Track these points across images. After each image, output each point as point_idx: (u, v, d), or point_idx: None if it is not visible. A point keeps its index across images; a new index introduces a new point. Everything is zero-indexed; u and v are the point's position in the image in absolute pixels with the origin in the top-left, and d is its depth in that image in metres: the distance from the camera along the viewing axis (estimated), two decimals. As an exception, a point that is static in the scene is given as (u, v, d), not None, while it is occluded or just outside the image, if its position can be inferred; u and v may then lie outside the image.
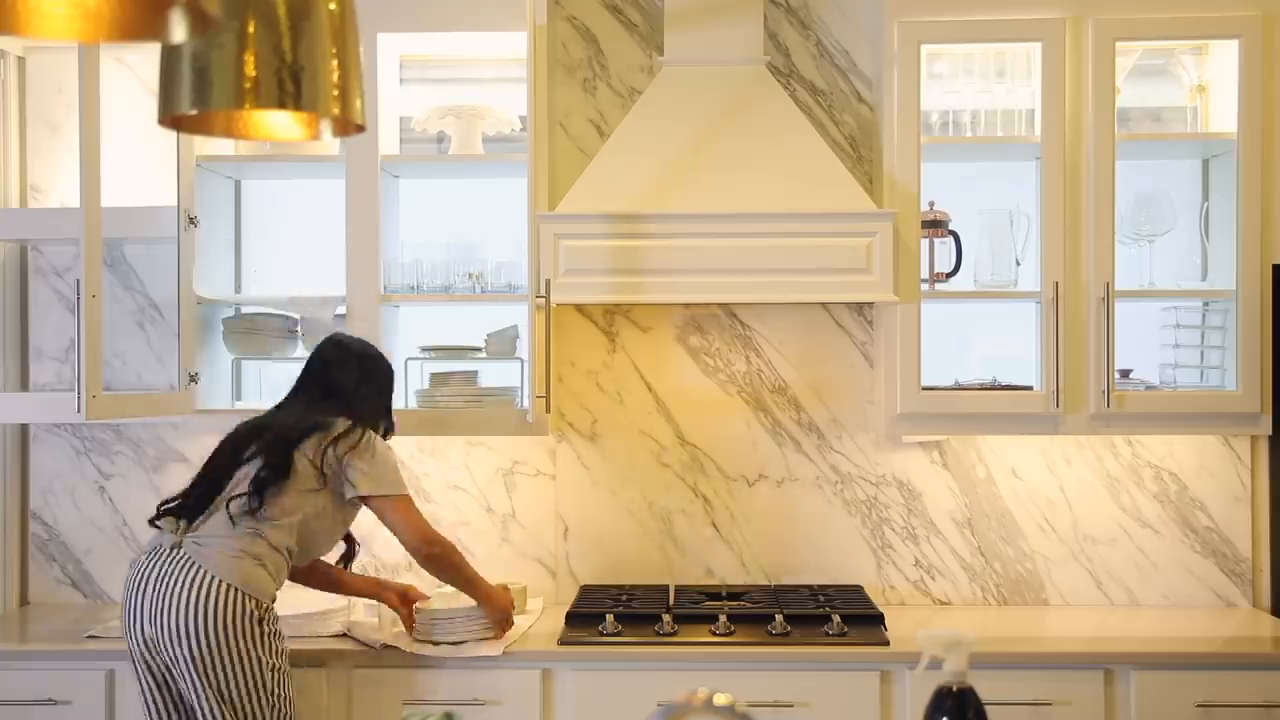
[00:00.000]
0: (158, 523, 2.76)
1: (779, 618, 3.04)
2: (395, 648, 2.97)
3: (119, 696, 3.02)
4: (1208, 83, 3.39)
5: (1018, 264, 3.31)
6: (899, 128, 3.21)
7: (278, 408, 2.91)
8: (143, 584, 2.65)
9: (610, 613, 3.08)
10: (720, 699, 1.42)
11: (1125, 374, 3.30)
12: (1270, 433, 3.24)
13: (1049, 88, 3.19)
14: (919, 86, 3.21)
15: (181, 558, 2.64)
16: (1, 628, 3.33)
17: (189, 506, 2.74)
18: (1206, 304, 3.34)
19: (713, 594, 3.35)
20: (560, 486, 3.54)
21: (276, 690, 2.66)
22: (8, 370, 3.51)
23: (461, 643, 2.97)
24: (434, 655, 2.95)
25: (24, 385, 3.54)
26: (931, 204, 3.27)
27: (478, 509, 3.54)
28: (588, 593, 3.37)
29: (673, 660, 2.97)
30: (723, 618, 3.07)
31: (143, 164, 3.43)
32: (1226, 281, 3.24)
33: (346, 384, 2.89)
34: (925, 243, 3.27)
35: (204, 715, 2.61)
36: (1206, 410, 3.21)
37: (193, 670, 2.59)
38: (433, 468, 3.54)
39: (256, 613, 2.64)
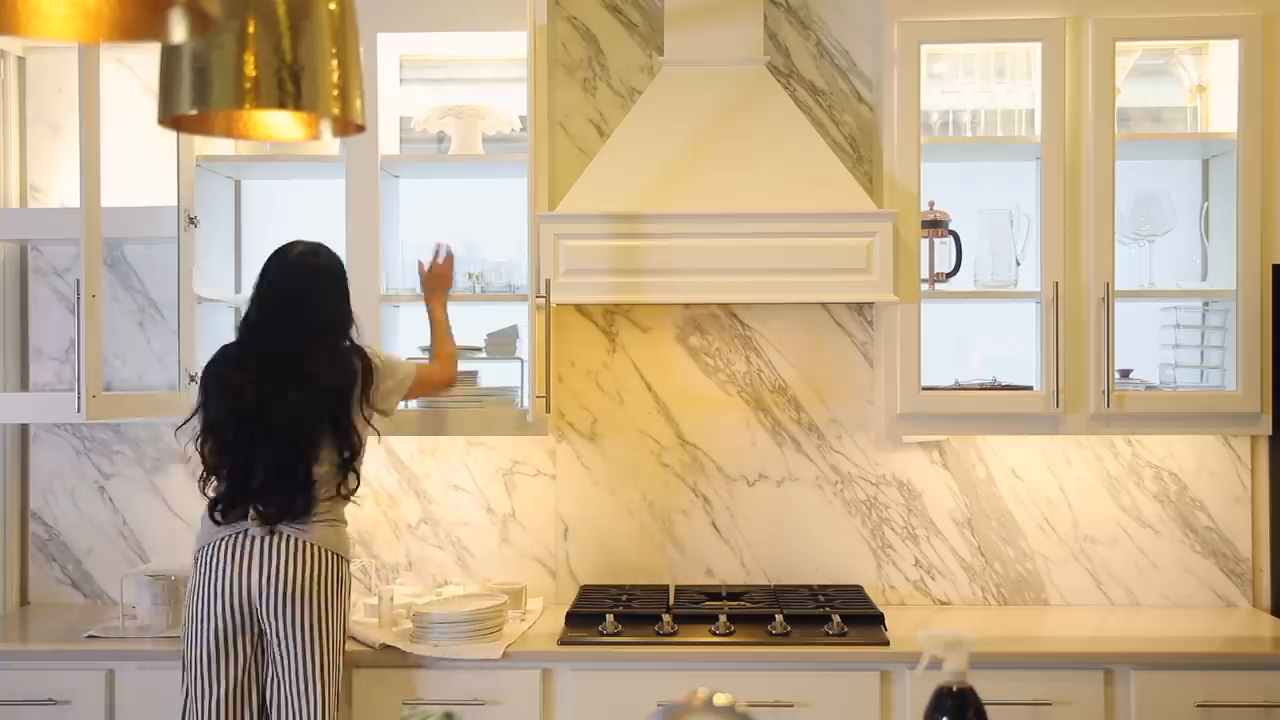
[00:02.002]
0: (243, 516, 2.81)
1: (779, 618, 3.04)
2: (395, 648, 2.98)
3: (119, 696, 3.02)
4: (1208, 83, 3.39)
5: (1018, 264, 3.31)
6: (899, 128, 3.21)
7: (270, 345, 2.87)
8: (247, 562, 2.78)
9: (610, 613, 3.08)
10: (720, 699, 1.42)
11: (1125, 374, 3.29)
12: (1270, 433, 3.24)
13: (1049, 88, 3.19)
14: (919, 86, 3.21)
15: (288, 542, 2.79)
16: (1, 628, 3.33)
17: (280, 505, 2.79)
18: (1206, 304, 3.34)
19: (713, 594, 3.35)
20: (560, 486, 3.54)
21: (345, 638, 2.93)
22: (8, 370, 3.51)
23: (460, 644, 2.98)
24: (434, 655, 2.95)
25: (24, 385, 3.54)
26: (931, 204, 3.27)
27: (478, 509, 3.54)
28: (588, 593, 3.37)
29: (673, 660, 2.97)
30: (723, 618, 3.07)
31: (143, 164, 3.43)
32: (1226, 281, 3.24)
33: (330, 302, 2.92)
34: (925, 243, 3.27)
35: (298, 676, 2.77)
36: (1206, 410, 3.21)
37: (305, 634, 2.77)
38: (433, 468, 3.54)
39: (346, 571, 2.91)
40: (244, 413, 2.81)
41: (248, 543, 2.80)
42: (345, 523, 2.94)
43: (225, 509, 2.81)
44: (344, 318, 2.94)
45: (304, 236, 3.00)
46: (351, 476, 2.89)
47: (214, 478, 2.83)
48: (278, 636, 2.79)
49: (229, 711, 2.77)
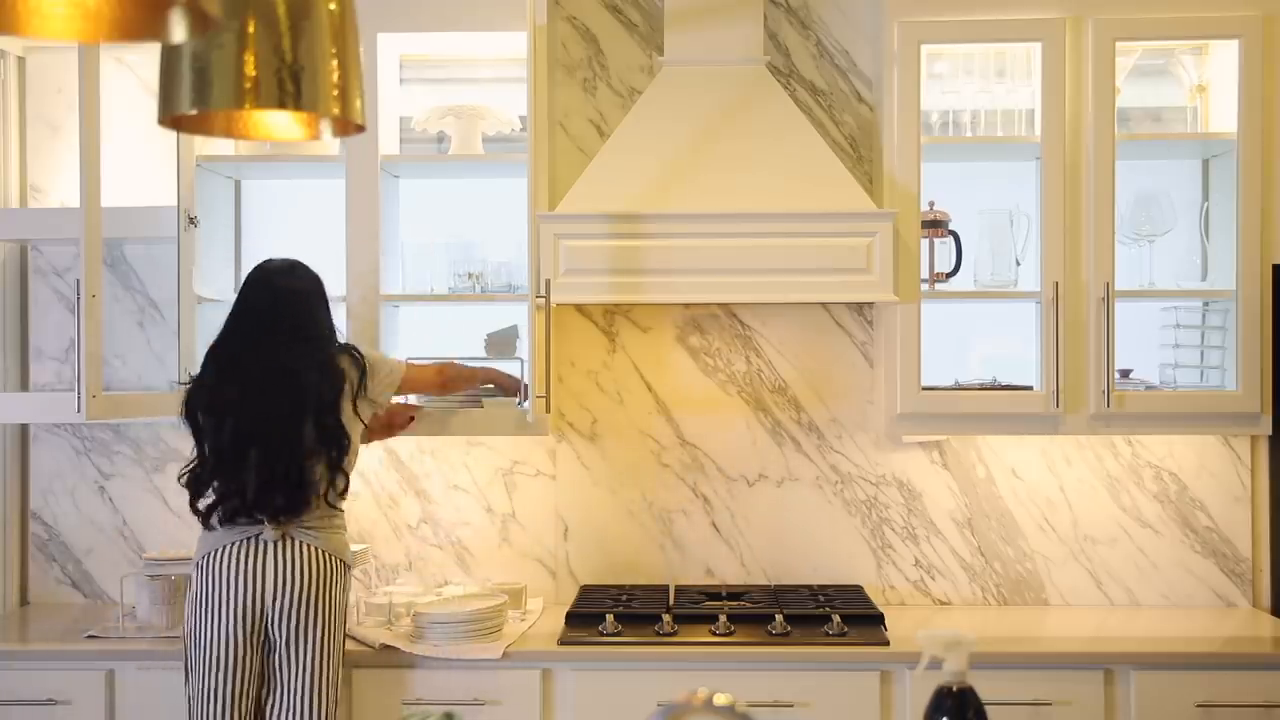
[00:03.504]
0: (247, 521, 2.80)
1: (779, 618, 3.04)
2: (395, 648, 2.98)
3: (119, 696, 3.02)
4: (1208, 83, 3.39)
5: (1018, 264, 3.31)
6: (899, 128, 3.21)
7: (253, 360, 2.85)
8: (260, 568, 2.78)
9: (610, 613, 3.08)
10: (720, 699, 1.42)
11: (1125, 374, 3.29)
12: (1270, 433, 3.24)
13: (1049, 88, 3.19)
14: (919, 86, 3.21)
15: (296, 546, 2.81)
16: (1, 628, 3.33)
17: (281, 506, 2.78)
18: (1206, 304, 3.34)
19: (713, 594, 3.35)
20: (560, 486, 3.54)
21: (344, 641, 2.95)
22: (8, 370, 3.51)
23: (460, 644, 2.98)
24: (434, 655, 2.95)
25: (24, 385, 3.54)
26: (931, 204, 3.27)
27: (478, 509, 3.54)
28: (588, 593, 3.37)
29: (673, 660, 2.97)
30: (723, 618, 3.07)
31: (143, 164, 3.43)
32: (1226, 281, 3.24)
33: (312, 315, 2.92)
34: (925, 243, 3.27)
35: (303, 680, 2.79)
36: (1206, 410, 3.21)
37: (313, 639, 2.79)
38: (433, 468, 3.54)
39: (349, 576, 2.94)
40: (234, 425, 2.80)
41: (259, 549, 2.80)
42: (346, 528, 2.96)
43: (224, 515, 2.80)
44: (326, 329, 2.94)
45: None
46: (340, 478, 2.87)
47: (207, 490, 2.83)
48: (286, 642, 2.79)
49: (234, 716, 2.77)
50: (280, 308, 2.90)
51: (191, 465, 2.85)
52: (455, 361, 3.22)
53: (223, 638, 2.77)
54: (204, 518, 2.83)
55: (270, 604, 2.78)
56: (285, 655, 2.80)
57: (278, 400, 2.81)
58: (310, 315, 2.93)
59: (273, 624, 2.79)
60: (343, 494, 2.90)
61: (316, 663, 2.80)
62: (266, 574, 2.78)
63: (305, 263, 2.99)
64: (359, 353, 2.96)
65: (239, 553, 2.80)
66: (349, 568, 2.93)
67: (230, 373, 2.84)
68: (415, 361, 3.17)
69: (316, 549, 2.83)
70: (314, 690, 2.80)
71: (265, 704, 2.82)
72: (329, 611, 2.83)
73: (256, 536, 2.80)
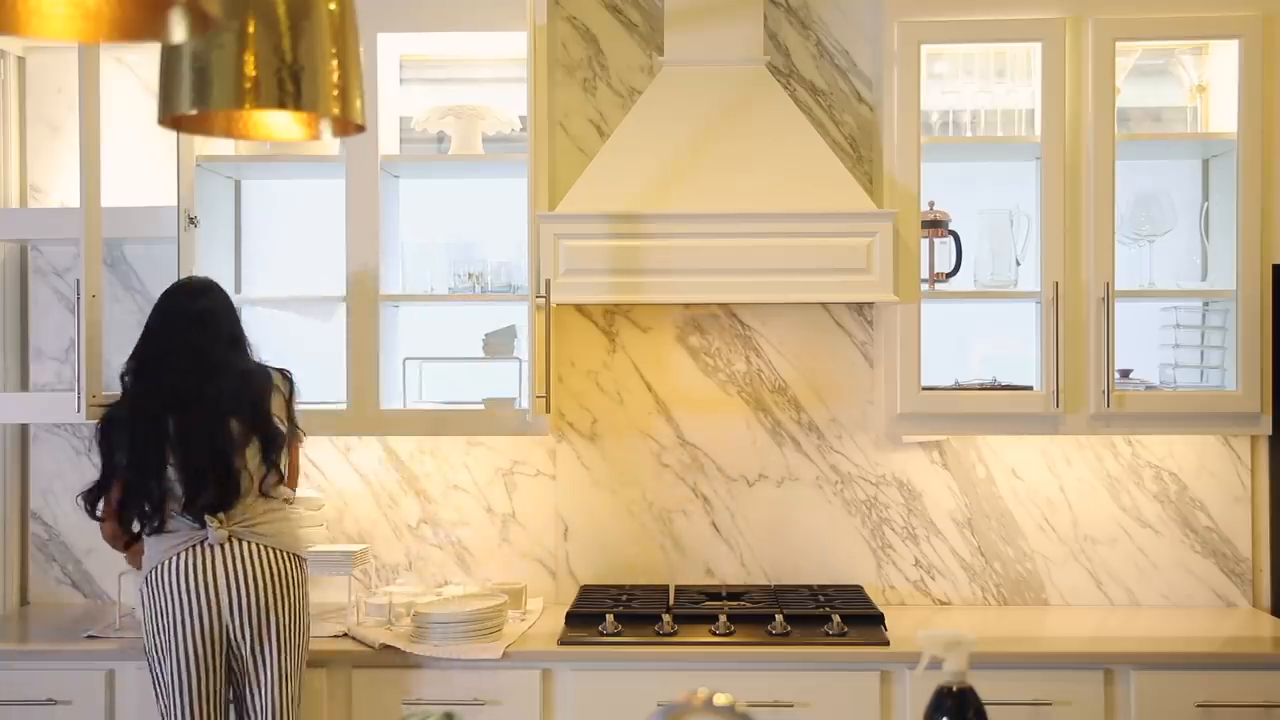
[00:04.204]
0: (187, 518, 2.75)
1: (779, 618, 3.04)
2: (395, 648, 2.97)
3: (119, 696, 3.02)
4: (1208, 83, 3.39)
5: (1018, 264, 3.31)
6: (899, 128, 3.21)
7: (184, 369, 2.79)
8: (211, 575, 2.73)
9: (610, 613, 3.08)
10: (720, 699, 1.42)
11: (1125, 374, 3.29)
12: (1270, 433, 3.24)
13: (1049, 88, 3.19)
14: (919, 86, 3.21)
15: (246, 548, 2.77)
16: (1, 628, 3.33)
17: (216, 503, 2.74)
18: (1206, 304, 3.34)
19: (713, 594, 3.35)
20: (560, 486, 3.54)
21: (309, 636, 2.93)
22: (8, 370, 3.51)
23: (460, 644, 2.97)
24: (434, 655, 2.95)
25: (24, 385, 3.54)
26: (931, 204, 3.27)
27: (478, 509, 3.54)
28: (588, 593, 3.37)
29: (673, 660, 2.97)
30: (723, 618, 3.07)
31: (143, 164, 3.43)
32: (1226, 281, 3.24)
33: (236, 328, 2.89)
34: (925, 243, 3.27)
35: (267, 682, 2.77)
36: (1206, 410, 3.21)
37: (275, 639, 2.77)
38: (433, 468, 3.54)
39: (305, 570, 2.90)
40: (156, 433, 2.74)
41: (207, 556, 2.74)
42: (297, 520, 2.93)
43: (154, 519, 2.75)
44: (244, 344, 2.90)
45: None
46: (273, 470, 2.82)
47: (129, 502, 2.78)
48: (250, 648, 2.76)
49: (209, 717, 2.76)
50: (190, 323, 2.82)
51: (95, 482, 2.81)
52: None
53: (184, 653, 2.72)
54: (128, 532, 2.79)
55: (229, 613, 2.74)
56: (250, 658, 2.77)
57: (197, 404, 2.75)
58: (223, 326, 2.85)
59: (233, 632, 2.75)
60: (277, 485, 2.84)
61: (283, 661, 2.78)
62: (219, 582, 2.73)
63: (216, 282, 2.94)
64: (289, 374, 2.93)
65: (187, 562, 2.73)
66: (304, 560, 2.88)
67: (150, 388, 2.78)
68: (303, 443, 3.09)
69: (264, 547, 2.78)
70: (282, 690, 2.78)
71: (239, 701, 2.80)
72: (288, 609, 2.79)
73: (202, 542, 2.74)
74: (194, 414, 2.76)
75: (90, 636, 3.10)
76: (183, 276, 3.05)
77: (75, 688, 3.01)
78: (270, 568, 2.78)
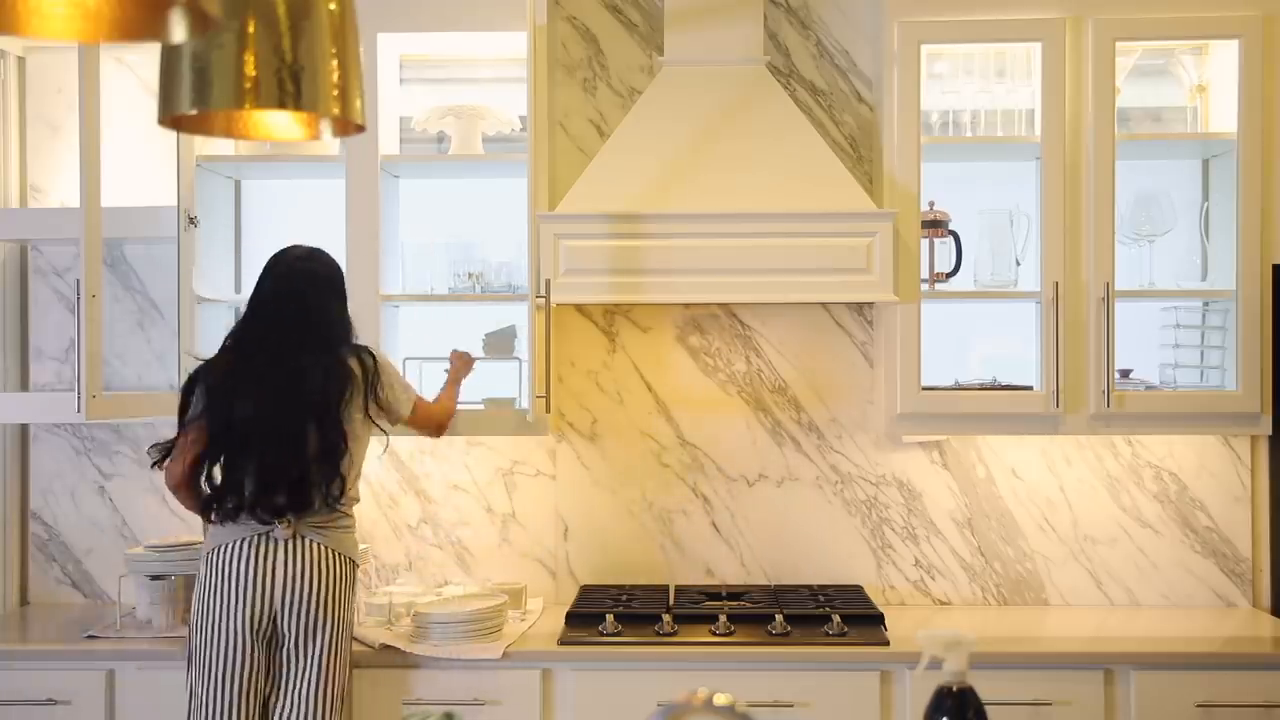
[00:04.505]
0: (258, 518, 2.79)
1: (779, 618, 3.04)
2: (395, 648, 2.98)
3: (119, 696, 3.02)
4: (1208, 83, 3.39)
5: (1018, 264, 3.31)
6: (899, 128, 3.21)
7: (265, 355, 2.84)
8: (271, 565, 2.79)
9: (610, 613, 3.08)
10: (720, 699, 1.42)
11: (1125, 374, 3.29)
12: (1270, 433, 3.24)
13: (1049, 88, 3.19)
14: (919, 86, 3.21)
15: (307, 544, 2.81)
16: (1, 628, 3.33)
17: (282, 505, 2.78)
18: (1206, 304, 3.34)
19: (713, 594, 3.35)
20: (560, 486, 3.54)
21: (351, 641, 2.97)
22: (8, 370, 3.51)
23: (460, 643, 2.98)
24: (434, 655, 2.95)
25: (24, 385, 3.54)
26: (931, 204, 3.27)
27: (478, 509, 3.54)
28: (588, 593, 3.37)
29: (673, 660, 2.97)
30: (723, 618, 3.07)
31: (143, 164, 3.43)
32: (1226, 281, 3.24)
33: (328, 312, 2.90)
34: (925, 243, 3.27)
35: (311, 679, 2.79)
36: (1206, 410, 3.21)
37: (322, 638, 2.80)
38: (433, 468, 3.54)
39: (356, 575, 2.95)
40: (239, 419, 2.79)
41: (270, 546, 2.80)
42: (354, 529, 2.95)
43: (220, 516, 2.80)
44: (342, 324, 2.92)
45: (304, 237, 2.99)
46: (336, 481, 2.84)
47: (202, 479, 2.82)
48: (295, 640, 2.79)
49: (236, 712, 2.76)
50: (295, 300, 2.87)
51: (171, 440, 2.85)
52: (451, 405, 3.20)
53: (230, 630, 2.77)
54: (205, 506, 2.82)
55: (280, 601, 2.78)
56: (293, 653, 2.80)
57: (282, 401, 2.79)
58: (323, 310, 2.89)
59: (282, 621, 2.79)
60: (340, 496, 2.86)
61: (325, 661, 2.80)
62: (277, 571, 2.79)
63: (326, 251, 2.98)
64: (370, 356, 2.92)
65: (250, 549, 2.79)
66: (357, 566, 2.94)
67: (241, 366, 2.83)
68: (422, 398, 3.13)
69: (326, 548, 2.83)
70: (320, 689, 2.80)
71: (271, 700, 2.82)
72: (338, 610, 2.83)
73: (268, 534, 2.80)
74: (276, 413, 2.79)
75: (90, 636, 3.10)
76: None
77: (75, 688, 3.01)
78: (326, 566, 2.82)
